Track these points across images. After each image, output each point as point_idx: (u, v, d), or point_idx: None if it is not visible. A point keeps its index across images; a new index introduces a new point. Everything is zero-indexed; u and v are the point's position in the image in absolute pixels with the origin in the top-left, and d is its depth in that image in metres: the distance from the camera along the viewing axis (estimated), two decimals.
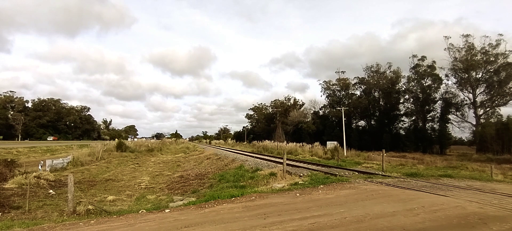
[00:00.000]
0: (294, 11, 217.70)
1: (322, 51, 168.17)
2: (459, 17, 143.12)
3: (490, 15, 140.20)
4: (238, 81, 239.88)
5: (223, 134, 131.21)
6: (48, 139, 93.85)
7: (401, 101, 56.04)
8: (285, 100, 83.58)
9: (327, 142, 37.94)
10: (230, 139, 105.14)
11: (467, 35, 47.34)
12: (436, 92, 50.94)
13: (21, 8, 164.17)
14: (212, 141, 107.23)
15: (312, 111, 69.66)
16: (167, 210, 7.08)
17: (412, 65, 52.68)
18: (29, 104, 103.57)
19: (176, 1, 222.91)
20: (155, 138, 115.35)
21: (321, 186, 9.49)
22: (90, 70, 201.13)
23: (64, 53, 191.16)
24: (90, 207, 8.72)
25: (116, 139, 47.62)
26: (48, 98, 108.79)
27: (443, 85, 50.66)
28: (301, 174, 12.57)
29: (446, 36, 49.03)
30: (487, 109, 46.44)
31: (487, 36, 45.94)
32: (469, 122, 47.85)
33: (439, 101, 50.86)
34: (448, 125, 49.45)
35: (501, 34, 44.94)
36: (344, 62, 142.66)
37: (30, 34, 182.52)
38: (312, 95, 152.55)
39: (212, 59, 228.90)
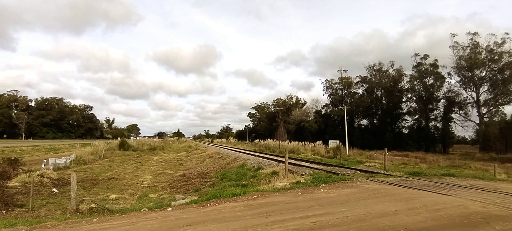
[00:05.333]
0: (300, 8, 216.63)
1: (328, 49, 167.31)
2: (472, 13, 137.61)
3: (505, 10, 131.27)
4: (242, 79, 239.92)
5: (225, 132, 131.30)
6: None
7: (403, 100, 55.89)
8: (287, 99, 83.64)
9: (329, 141, 37.98)
10: (232, 138, 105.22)
11: (474, 33, 46.99)
12: (439, 91, 50.80)
13: (29, 5, 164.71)
14: (214, 140, 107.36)
15: (314, 110, 69.65)
16: (169, 209, 7.11)
17: (415, 63, 52.50)
18: (33, 104, 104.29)
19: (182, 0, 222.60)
20: (157, 137, 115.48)
21: (323, 185, 9.48)
22: (95, 69, 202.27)
23: (69, 51, 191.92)
24: (92, 205, 8.77)
25: (119, 138, 47.99)
26: (51, 97, 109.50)
27: (446, 84, 50.55)
28: (303, 173, 12.55)
29: (452, 34, 48.67)
30: (491, 108, 46.14)
31: (493, 34, 45.59)
32: (472, 121, 47.72)
33: (442, 100, 50.73)
34: (451, 124, 49.32)
35: (507, 33, 44.58)
36: (350, 60, 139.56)
37: (36, 31, 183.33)
38: (318, 94, 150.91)
39: (217, 57, 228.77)
